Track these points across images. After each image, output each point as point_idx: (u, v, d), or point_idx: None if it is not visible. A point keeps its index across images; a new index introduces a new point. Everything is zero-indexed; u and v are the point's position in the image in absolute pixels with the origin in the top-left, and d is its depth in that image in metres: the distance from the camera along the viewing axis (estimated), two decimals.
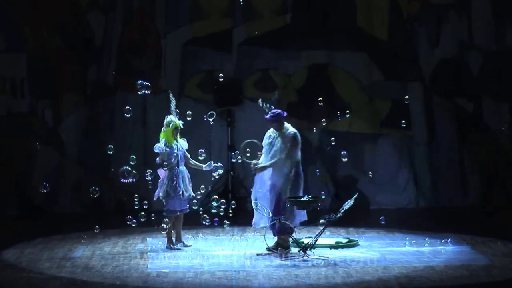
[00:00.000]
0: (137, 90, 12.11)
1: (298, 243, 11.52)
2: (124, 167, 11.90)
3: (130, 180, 11.88)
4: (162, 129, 12.04)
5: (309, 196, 11.65)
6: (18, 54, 16.17)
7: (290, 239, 11.74)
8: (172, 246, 11.93)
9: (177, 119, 12.04)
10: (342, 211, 11.49)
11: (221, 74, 13.83)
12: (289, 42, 16.44)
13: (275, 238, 11.61)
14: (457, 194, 16.39)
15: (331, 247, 11.89)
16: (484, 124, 16.46)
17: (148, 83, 12.13)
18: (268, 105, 11.72)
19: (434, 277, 10.21)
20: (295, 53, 16.44)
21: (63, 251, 11.93)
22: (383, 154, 16.33)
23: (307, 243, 11.50)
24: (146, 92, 12.15)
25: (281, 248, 11.51)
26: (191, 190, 12.05)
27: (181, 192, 11.86)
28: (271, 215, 11.43)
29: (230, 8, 16.49)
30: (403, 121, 15.38)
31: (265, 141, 11.67)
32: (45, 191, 12.86)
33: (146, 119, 16.31)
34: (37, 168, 16.09)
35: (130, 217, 12.05)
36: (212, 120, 12.25)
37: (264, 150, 11.66)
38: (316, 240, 11.49)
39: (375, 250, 11.82)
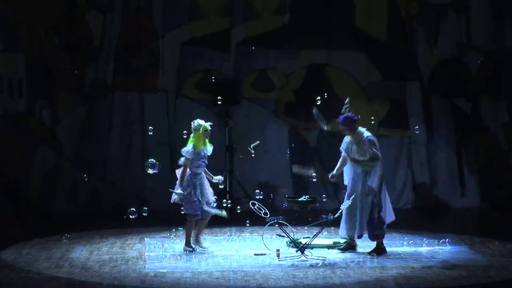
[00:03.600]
0: (148, 167, 12.12)
1: (296, 243, 11.52)
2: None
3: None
4: (191, 135, 11.83)
5: (307, 197, 11.67)
6: (16, 54, 16.15)
7: (288, 239, 11.76)
8: (189, 249, 11.77)
9: (204, 122, 11.86)
10: (340, 211, 11.49)
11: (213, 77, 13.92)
12: (287, 42, 16.44)
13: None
14: (455, 194, 16.39)
15: (329, 247, 11.89)
16: (482, 124, 16.46)
17: (157, 163, 12.09)
18: (348, 106, 11.71)
19: (432, 278, 10.21)
20: (293, 53, 16.45)
21: (61, 252, 11.91)
22: (381, 154, 16.30)
23: (305, 243, 11.51)
24: (155, 170, 12.13)
25: (378, 252, 11.53)
26: (211, 196, 11.89)
27: (196, 199, 11.72)
28: (268, 216, 11.43)
29: (228, 8, 16.49)
30: (416, 127, 15.55)
31: (344, 146, 11.72)
32: None
33: (144, 118, 16.31)
34: (35, 168, 16.07)
35: None
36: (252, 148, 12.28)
37: (346, 154, 11.70)
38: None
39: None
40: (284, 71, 16.50)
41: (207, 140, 11.88)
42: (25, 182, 16.01)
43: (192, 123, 11.88)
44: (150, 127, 13.74)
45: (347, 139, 11.72)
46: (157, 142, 16.19)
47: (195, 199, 11.71)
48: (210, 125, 11.90)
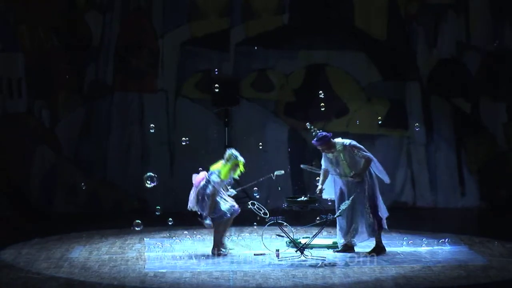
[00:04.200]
0: (146, 181, 12.09)
1: (295, 244, 11.51)
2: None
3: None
4: (222, 161, 11.57)
5: (307, 197, 11.66)
6: (15, 54, 16.16)
7: (288, 239, 11.76)
8: (217, 252, 11.60)
9: (239, 155, 11.58)
10: (340, 211, 11.49)
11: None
12: (286, 42, 16.45)
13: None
14: (455, 194, 16.39)
15: (328, 247, 11.89)
16: (482, 124, 16.46)
17: (155, 176, 12.07)
18: (314, 129, 11.66)
19: (432, 278, 10.21)
20: (292, 53, 16.45)
21: (61, 252, 11.91)
22: (381, 155, 16.31)
23: (305, 243, 11.50)
24: (153, 183, 12.08)
25: (378, 251, 11.55)
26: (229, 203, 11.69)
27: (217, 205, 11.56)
28: (267, 216, 11.44)
29: (228, 8, 16.50)
30: (416, 124, 15.63)
31: (325, 163, 11.65)
32: None
33: (144, 118, 16.31)
34: (34, 169, 16.06)
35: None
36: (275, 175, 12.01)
37: (330, 170, 11.65)
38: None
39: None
40: (283, 71, 16.51)
41: (239, 169, 11.60)
42: (25, 182, 16.00)
43: (227, 149, 11.66)
44: (151, 125, 13.79)
45: (327, 156, 11.63)
46: (157, 142, 16.21)
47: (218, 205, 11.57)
48: (243, 162, 11.61)
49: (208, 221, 11.47)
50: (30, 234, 13.11)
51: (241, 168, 11.57)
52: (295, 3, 16.50)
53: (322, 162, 11.73)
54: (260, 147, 15.14)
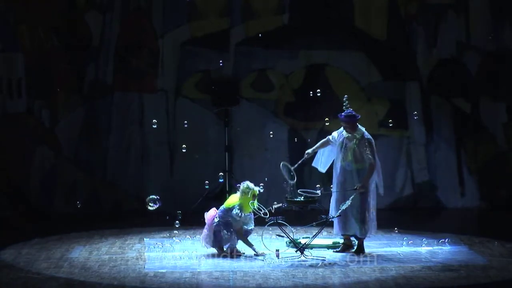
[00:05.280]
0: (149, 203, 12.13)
1: (295, 244, 11.52)
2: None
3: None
4: (239, 195, 11.42)
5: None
6: (15, 54, 16.15)
7: (287, 239, 11.76)
8: (260, 252, 11.51)
9: (254, 185, 11.43)
10: (339, 211, 11.48)
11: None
12: (286, 42, 16.45)
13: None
14: (455, 194, 16.40)
15: (328, 247, 11.89)
16: (481, 124, 16.47)
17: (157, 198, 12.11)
18: (347, 104, 11.64)
19: (432, 278, 10.21)
20: (292, 53, 16.45)
21: (61, 252, 11.91)
22: (381, 155, 16.29)
23: (305, 243, 11.51)
24: (156, 206, 12.12)
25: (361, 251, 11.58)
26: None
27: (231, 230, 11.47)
28: (267, 216, 11.43)
29: (228, 8, 16.50)
30: (415, 113, 15.64)
31: (336, 137, 11.64)
32: None
33: (144, 118, 16.31)
34: (34, 169, 16.06)
35: None
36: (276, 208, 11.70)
37: (336, 148, 11.62)
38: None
39: (372, 250, 11.81)
40: (283, 71, 16.51)
41: (255, 201, 11.46)
42: (25, 182, 16.00)
43: (241, 183, 11.51)
44: (154, 120, 13.78)
45: (344, 133, 11.65)
46: (157, 142, 16.21)
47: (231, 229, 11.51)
48: (259, 190, 11.52)
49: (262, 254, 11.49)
50: (30, 234, 13.11)
51: (255, 202, 11.42)
52: (295, 3, 16.50)
53: (334, 133, 11.67)
54: (271, 136, 15.18)
